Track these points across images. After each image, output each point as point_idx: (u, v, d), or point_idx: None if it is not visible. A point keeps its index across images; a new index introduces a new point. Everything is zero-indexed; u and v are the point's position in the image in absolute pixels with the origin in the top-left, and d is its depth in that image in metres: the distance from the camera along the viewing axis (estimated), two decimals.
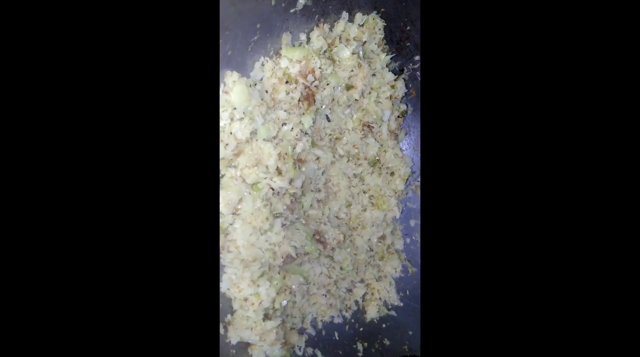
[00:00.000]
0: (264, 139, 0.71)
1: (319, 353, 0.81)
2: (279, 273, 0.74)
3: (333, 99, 0.81)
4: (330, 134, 0.83)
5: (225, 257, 0.71)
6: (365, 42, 0.83)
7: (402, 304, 0.91)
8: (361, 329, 0.88)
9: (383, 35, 0.84)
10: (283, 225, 0.74)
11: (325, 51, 0.79)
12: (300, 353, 0.78)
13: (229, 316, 0.71)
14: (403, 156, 0.91)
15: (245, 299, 0.70)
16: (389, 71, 0.86)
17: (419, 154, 0.93)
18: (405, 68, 0.90)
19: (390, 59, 0.86)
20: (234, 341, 0.70)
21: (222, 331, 0.70)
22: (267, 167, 0.71)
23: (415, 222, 0.95)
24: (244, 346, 0.71)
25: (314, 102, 0.77)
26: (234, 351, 0.70)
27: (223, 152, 0.68)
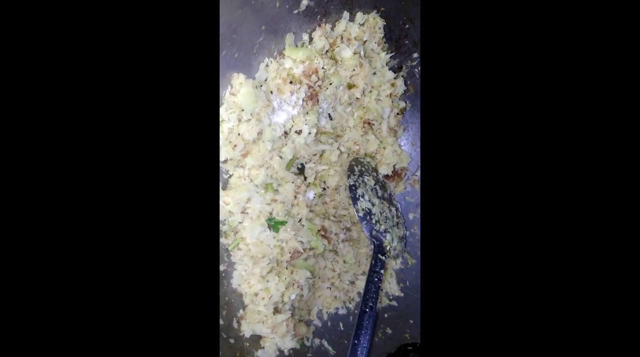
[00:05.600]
0: (269, 140, 0.73)
1: (325, 343, 0.84)
2: (286, 268, 0.76)
3: (335, 98, 0.82)
4: (332, 132, 0.85)
5: (235, 255, 0.73)
6: (366, 41, 0.84)
7: (402, 295, 0.94)
8: None
9: (383, 34, 0.85)
10: None
11: (327, 51, 0.80)
12: (308, 344, 0.81)
13: (241, 311, 0.74)
14: (402, 152, 0.93)
15: (256, 294, 0.72)
16: (389, 69, 0.87)
17: (417, 149, 0.95)
18: (403, 65, 0.91)
19: (390, 57, 0.88)
20: (247, 334, 0.72)
21: (235, 325, 0.72)
22: (273, 167, 0.73)
23: (414, 216, 0.97)
24: (256, 338, 0.74)
25: (318, 101, 0.79)
26: (247, 344, 0.72)
27: (231, 153, 0.69)
